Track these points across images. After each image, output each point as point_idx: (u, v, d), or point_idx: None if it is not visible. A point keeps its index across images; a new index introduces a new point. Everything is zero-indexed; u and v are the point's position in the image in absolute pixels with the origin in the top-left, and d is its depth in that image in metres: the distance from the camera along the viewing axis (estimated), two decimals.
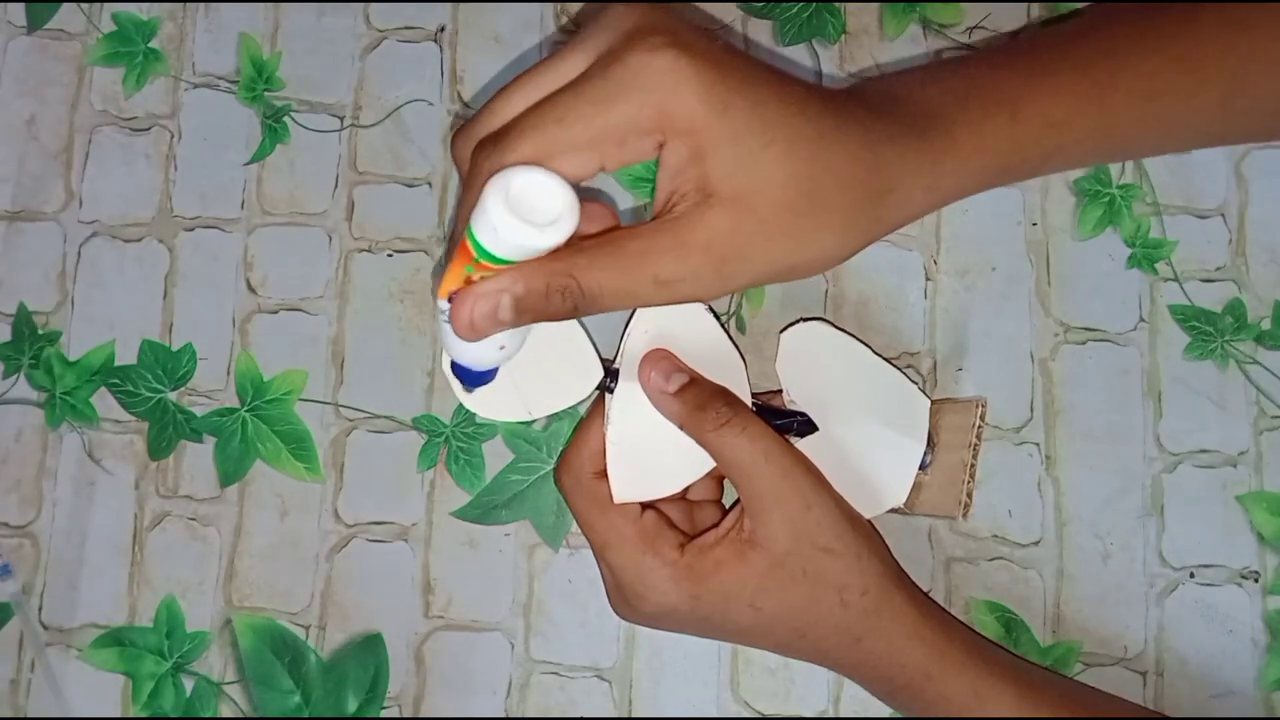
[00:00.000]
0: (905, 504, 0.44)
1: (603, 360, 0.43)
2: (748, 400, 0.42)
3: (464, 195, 0.36)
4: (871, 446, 0.43)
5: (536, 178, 0.34)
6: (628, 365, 0.42)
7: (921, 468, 0.44)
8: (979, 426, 0.44)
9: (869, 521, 0.42)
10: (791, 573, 0.39)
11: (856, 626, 0.40)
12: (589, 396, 0.43)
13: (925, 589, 0.45)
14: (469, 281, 0.35)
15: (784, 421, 0.43)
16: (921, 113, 0.38)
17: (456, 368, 0.40)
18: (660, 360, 0.42)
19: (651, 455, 0.42)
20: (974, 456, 0.44)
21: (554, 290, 0.34)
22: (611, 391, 0.42)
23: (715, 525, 0.41)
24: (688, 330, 0.43)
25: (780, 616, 0.40)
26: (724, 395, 0.41)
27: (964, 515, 0.44)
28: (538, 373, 0.42)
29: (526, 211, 0.33)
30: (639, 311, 0.43)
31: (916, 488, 0.44)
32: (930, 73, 0.41)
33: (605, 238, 0.36)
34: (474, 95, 0.50)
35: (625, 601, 0.41)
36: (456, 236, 0.35)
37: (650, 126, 0.34)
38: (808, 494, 0.39)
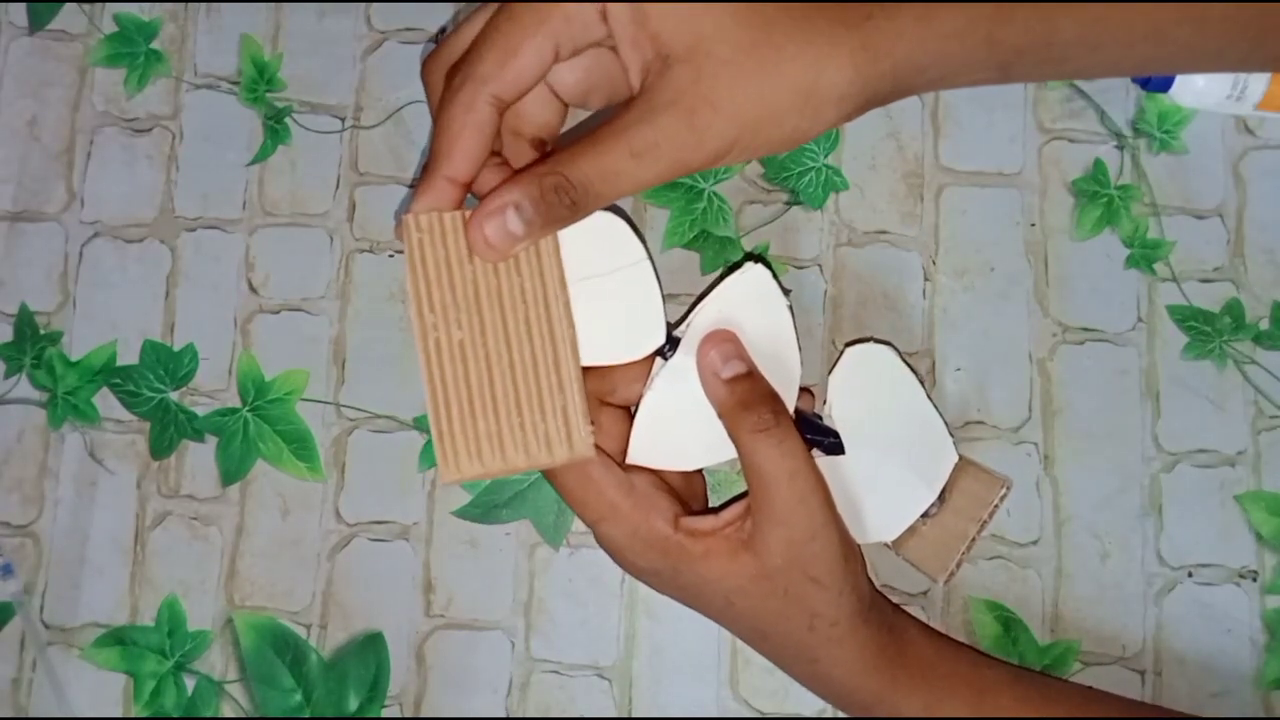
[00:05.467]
0: (892, 544, 0.44)
1: (668, 325, 0.41)
2: (792, 405, 0.41)
3: (438, 117, 0.37)
4: (884, 477, 0.43)
5: None
6: (690, 338, 0.41)
7: (923, 516, 0.43)
8: (996, 506, 0.44)
9: (859, 548, 0.42)
10: (774, 587, 0.39)
11: (816, 650, 0.40)
12: (645, 358, 0.41)
13: (923, 588, 0.46)
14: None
15: (816, 437, 0.42)
16: None
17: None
18: (723, 342, 0.41)
19: (678, 431, 0.41)
20: (979, 532, 0.44)
21: (547, 190, 0.35)
22: (666, 359, 0.41)
23: (715, 511, 0.41)
24: (760, 320, 0.41)
25: (748, 616, 0.40)
26: (772, 400, 0.40)
27: (945, 582, 0.44)
28: (601, 318, 0.40)
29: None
30: (716, 291, 0.42)
31: (909, 533, 0.43)
32: None
33: (585, 133, 0.36)
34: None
35: (612, 553, 0.41)
36: (435, 152, 0.37)
37: None
38: (816, 525, 0.39)
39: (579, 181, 0.35)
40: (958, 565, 0.43)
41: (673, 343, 0.41)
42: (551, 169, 0.35)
